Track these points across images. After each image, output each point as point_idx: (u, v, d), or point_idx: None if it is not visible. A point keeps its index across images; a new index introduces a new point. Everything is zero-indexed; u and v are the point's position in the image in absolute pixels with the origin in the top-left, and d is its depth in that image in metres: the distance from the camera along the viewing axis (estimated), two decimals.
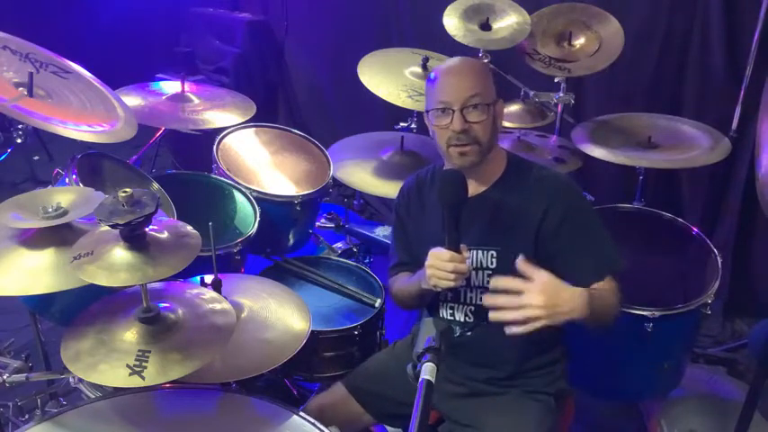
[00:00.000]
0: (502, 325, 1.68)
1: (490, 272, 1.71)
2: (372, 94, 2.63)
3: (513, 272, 1.63)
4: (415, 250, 1.86)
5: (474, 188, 1.71)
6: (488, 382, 1.78)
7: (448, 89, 1.67)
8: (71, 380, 1.86)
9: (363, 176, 2.67)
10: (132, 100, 2.56)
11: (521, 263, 1.51)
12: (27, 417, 2.08)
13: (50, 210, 1.67)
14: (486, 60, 2.77)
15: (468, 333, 1.77)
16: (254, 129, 2.81)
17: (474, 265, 1.72)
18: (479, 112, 1.65)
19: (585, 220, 1.70)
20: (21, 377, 1.88)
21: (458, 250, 1.57)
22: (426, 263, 1.62)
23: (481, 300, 1.69)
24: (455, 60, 1.74)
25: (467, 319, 1.78)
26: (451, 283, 1.58)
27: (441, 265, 1.57)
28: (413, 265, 1.86)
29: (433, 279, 1.60)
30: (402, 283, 1.88)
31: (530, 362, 1.76)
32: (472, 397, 1.79)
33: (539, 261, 1.63)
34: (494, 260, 1.71)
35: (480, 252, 1.71)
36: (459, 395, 1.81)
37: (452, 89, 1.66)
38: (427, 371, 1.23)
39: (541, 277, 1.49)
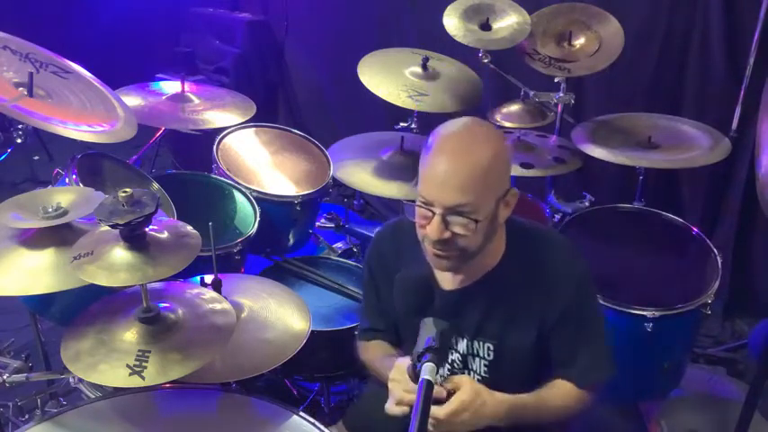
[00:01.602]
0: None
1: (487, 362, 1.54)
2: (372, 94, 2.62)
3: (510, 364, 1.52)
4: (392, 316, 1.63)
5: (466, 278, 1.50)
6: None
7: (432, 184, 1.32)
8: (71, 380, 1.87)
9: (363, 176, 2.67)
10: (132, 100, 2.56)
11: None
12: (27, 417, 2.08)
13: (50, 210, 1.67)
14: (486, 60, 2.77)
15: None
16: (253, 129, 2.81)
17: (471, 352, 1.55)
18: (465, 225, 1.32)
19: (587, 315, 1.50)
20: (21, 377, 1.88)
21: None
22: (390, 375, 1.38)
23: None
24: (457, 140, 1.34)
25: None
26: (405, 411, 1.33)
27: (402, 389, 1.34)
28: (388, 333, 1.65)
29: (391, 400, 1.38)
30: (375, 360, 1.62)
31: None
32: None
33: (539, 349, 1.50)
34: (491, 353, 1.52)
35: (477, 343, 1.53)
36: None
37: (437, 187, 1.31)
38: (427, 371, 1.24)
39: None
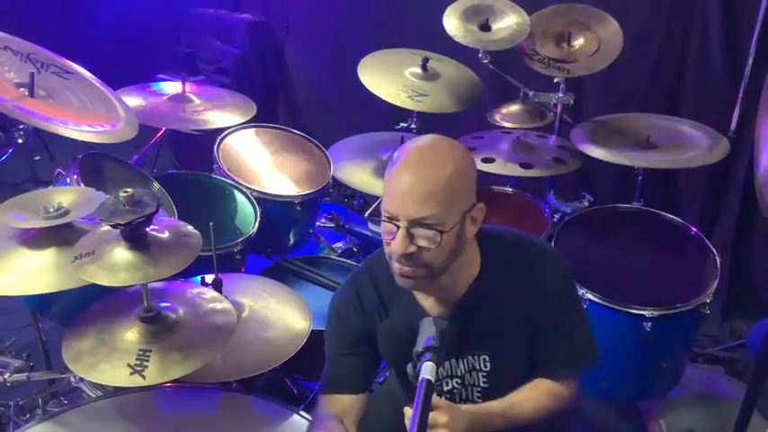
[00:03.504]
0: None
1: (485, 373, 1.52)
2: (372, 94, 2.63)
3: (507, 370, 1.52)
4: (363, 360, 1.53)
5: (449, 296, 1.47)
6: None
7: (396, 197, 1.31)
8: (72, 379, 1.88)
9: (363, 176, 2.68)
10: (133, 100, 2.57)
11: None
12: (28, 416, 2.08)
13: (51, 210, 1.68)
14: (485, 61, 2.78)
15: None
16: (254, 129, 2.81)
17: (468, 369, 1.53)
18: (431, 237, 1.31)
19: (569, 313, 1.50)
20: (22, 376, 1.90)
21: None
22: None
23: (478, 397, 1.55)
24: (419, 154, 1.34)
25: None
26: None
27: None
28: (355, 382, 1.52)
29: None
30: None
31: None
32: None
33: (533, 351, 1.51)
34: (487, 363, 1.51)
35: (471, 357, 1.51)
36: None
37: (400, 200, 1.31)
38: (427, 370, 1.24)
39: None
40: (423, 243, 1.32)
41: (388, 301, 1.51)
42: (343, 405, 1.51)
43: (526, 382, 1.53)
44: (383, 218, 1.34)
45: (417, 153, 1.35)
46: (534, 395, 1.50)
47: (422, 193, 1.29)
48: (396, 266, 1.37)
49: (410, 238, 1.31)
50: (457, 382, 1.54)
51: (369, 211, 1.23)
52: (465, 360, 1.52)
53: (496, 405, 1.46)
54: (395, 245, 1.32)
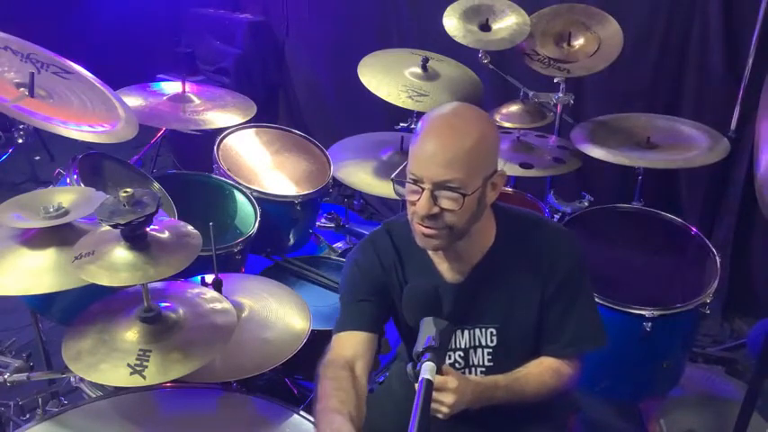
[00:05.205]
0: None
1: (490, 349, 1.55)
2: (372, 94, 2.63)
3: (513, 347, 1.54)
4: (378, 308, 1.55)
5: (465, 263, 1.52)
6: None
7: (421, 161, 1.37)
8: (72, 379, 1.88)
9: (363, 176, 2.68)
10: (133, 100, 2.57)
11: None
12: (28, 416, 2.08)
13: (51, 210, 1.68)
14: (485, 61, 2.78)
15: None
16: (254, 129, 2.81)
17: (473, 344, 1.55)
18: (454, 199, 1.37)
19: (578, 291, 1.53)
20: (22, 376, 1.89)
21: None
22: None
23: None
24: (445, 121, 1.40)
25: None
26: None
27: None
28: (370, 322, 1.54)
29: None
30: (325, 398, 1.41)
31: (536, 417, 1.60)
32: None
33: (540, 329, 1.54)
34: (493, 338, 1.54)
35: (478, 330, 1.55)
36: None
37: (425, 164, 1.36)
38: (427, 370, 1.24)
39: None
40: (446, 205, 1.38)
41: (405, 260, 1.56)
42: (354, 346, 1.52)
43: (529, 361, 1.55)
44: (408, 180, 1.40)
45: (443, 119, 1.41)
46: (538, 371, 1.54)
47: (447, 157, 1.35)
48: (418, 227, 1.43)
49: (434, 199, 1.37)
50: (460, 356, 1.56)
51: (395, 173, 1.32)
52: (471, 332, 1.55)
53: (502, 378, 1.49)
54: (419, 206, 1.38)
